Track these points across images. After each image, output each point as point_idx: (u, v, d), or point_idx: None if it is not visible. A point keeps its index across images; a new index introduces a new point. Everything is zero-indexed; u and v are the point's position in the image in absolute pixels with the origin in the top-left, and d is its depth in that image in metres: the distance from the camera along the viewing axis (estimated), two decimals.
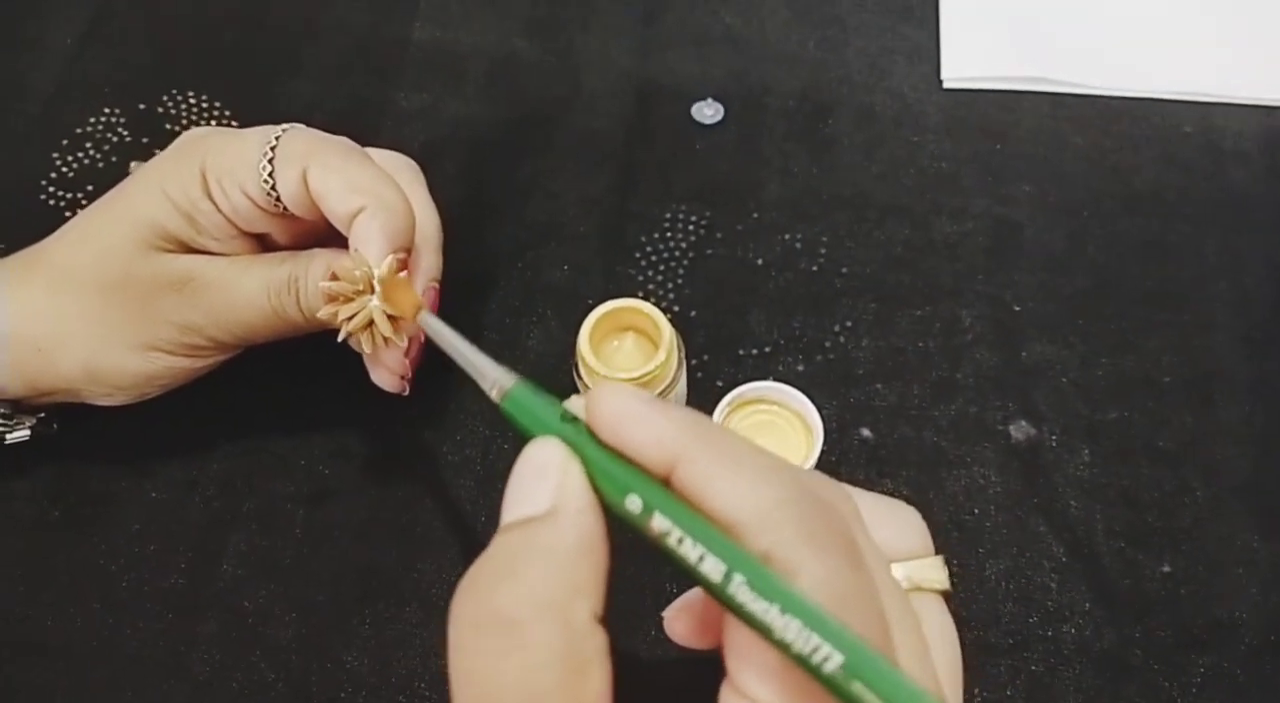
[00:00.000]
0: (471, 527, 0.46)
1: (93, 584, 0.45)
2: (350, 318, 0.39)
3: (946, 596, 0.28)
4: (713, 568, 0.23)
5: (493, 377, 0.30)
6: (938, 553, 0.28)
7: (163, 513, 0.47)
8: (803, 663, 0.22)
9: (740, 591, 0.23)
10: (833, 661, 0.22)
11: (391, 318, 0.39)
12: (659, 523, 0.24)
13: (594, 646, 0.23)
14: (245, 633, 0.44)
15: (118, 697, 0.43)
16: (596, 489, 0.25)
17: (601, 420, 0.25)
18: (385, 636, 0.44)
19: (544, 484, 0.25)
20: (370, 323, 0.39)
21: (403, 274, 0.40)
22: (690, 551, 0.23)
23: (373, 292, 0.39)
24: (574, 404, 0.27)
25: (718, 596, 0.23)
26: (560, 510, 0.24)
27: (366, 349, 0.40)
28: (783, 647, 0.22)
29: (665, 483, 0.25)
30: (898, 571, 0.27)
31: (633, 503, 0.24)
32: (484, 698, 0.23)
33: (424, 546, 0.46)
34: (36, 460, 0.48)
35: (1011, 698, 0.42)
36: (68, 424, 0.47)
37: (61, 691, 0.43)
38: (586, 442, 0.26)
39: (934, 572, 0.28)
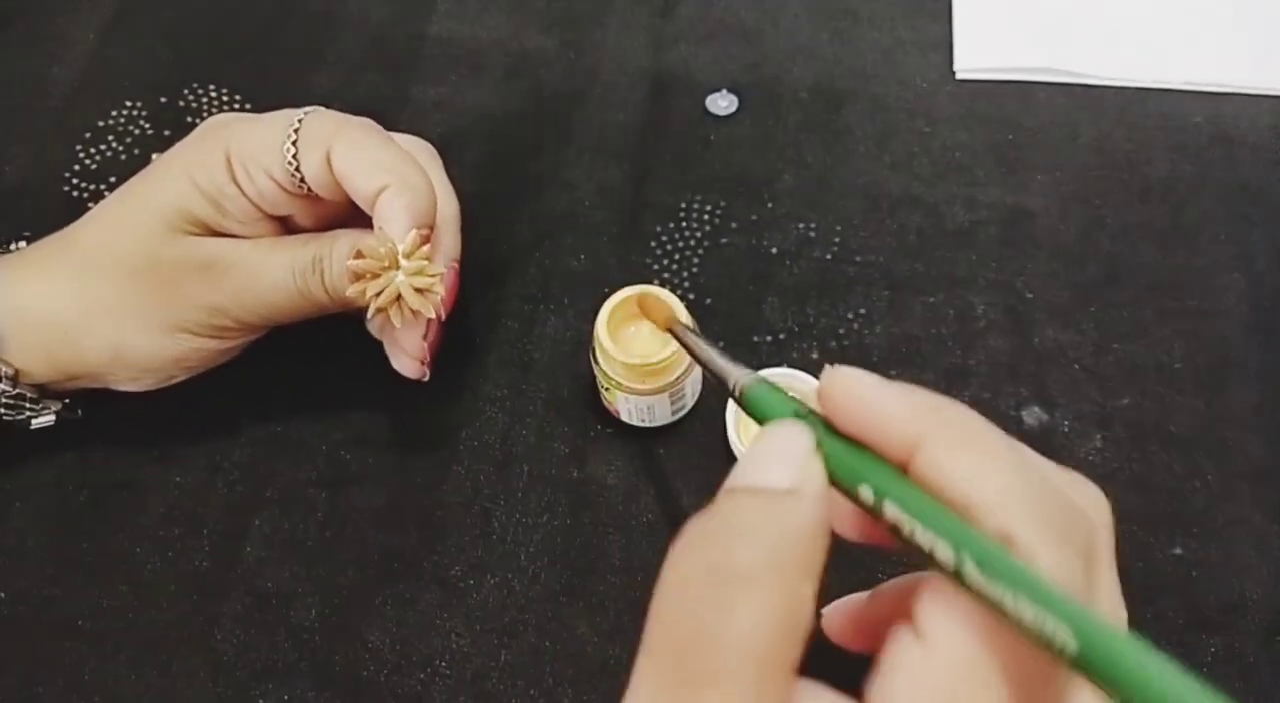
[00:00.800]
0: (490, 511, 0.47)
1: (118, 567, 0.46)
2: (378, 294, 0.40)
3: None
4: (944, 556, 0.23)
5: (734, 374, 0.32)
6: None
7: (187, 497, 0.48)
8: (1042, 643, 0.22)
9: (973, 575, 0.23)
10: (1069, 646, 0.21)
11: (418, 291, 0.40)
12: (890, 511, 0.25)
13: (806, 622, 0.24)
14: (268, 614, 0.45)
15: (143, 676, 0.44)
16: (831, 477, 0.26)
17: (837, 403, 0.26)
18: (406, 616, 0.45)
19: (787, 463, 0.25)
20: (398, 298, 0.40)
21: (425, 249, 0.41)
22: (922, 538, 0.24)
23: (398, 267, 0.40)
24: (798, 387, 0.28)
25: (947, 575, 0.23)
26: (802, 492, 0.25)
27: (396, 324, 0.41)
28: (1019, 626, 0.22)
29: (905, 467, 0.25)
30: None
31: (865, 493, 0.25)
32: (701, 645, 0.23)
33: (443, 529, 0.47)
34: (62, 445, 0.48)
35: None
36: (92, 410, 0.48)
37: (89, 671, 0.44)
38: (821, 429, 0.26)
39: None
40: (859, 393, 0.25)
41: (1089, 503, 0.26)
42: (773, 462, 0.25)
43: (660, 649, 0.24)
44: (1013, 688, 0.23)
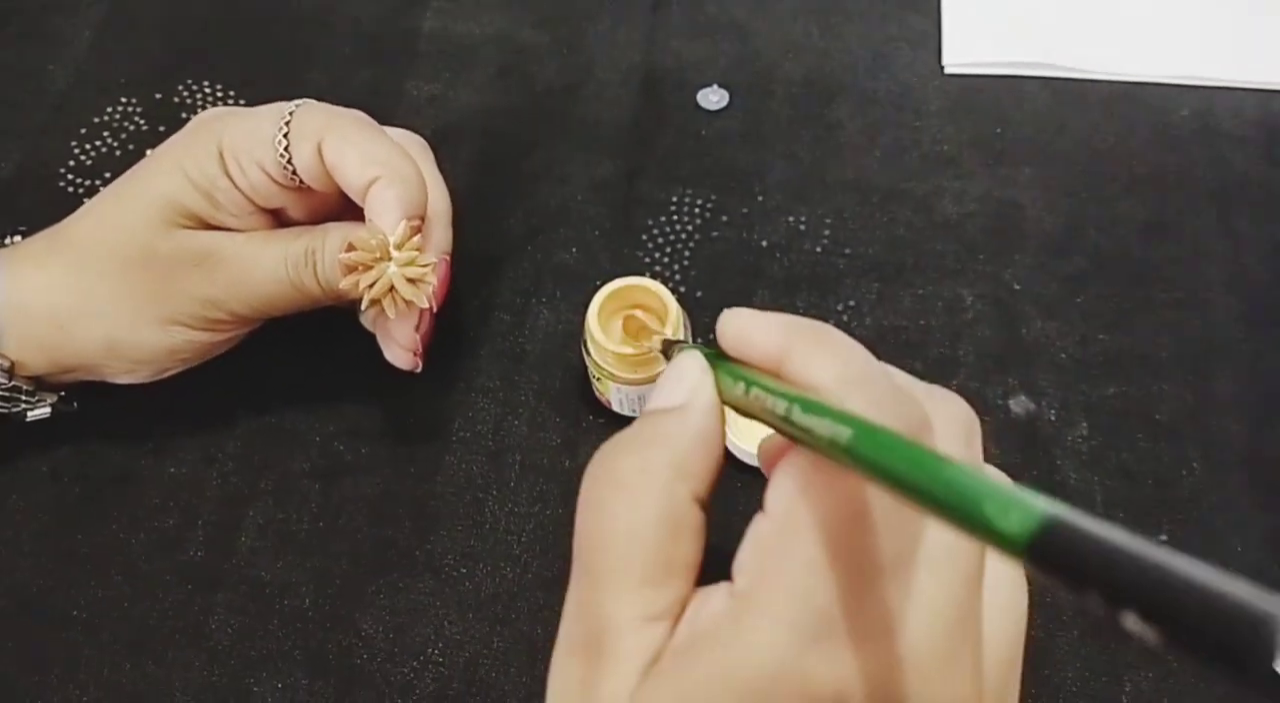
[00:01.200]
0: (482, 501, 0.47)
1: (113, 558, 0.47)
2: (371, 286, 0.40)
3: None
4: (777, 408, 0.26)
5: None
6: None
7: (181, 489, 0.48)
8: (828, 449, 0.24)
9: (795, 413, 0.25)
10: (841, 435, 0.23)
11: (411, 281, 0.41)
12: (754, 395, 0.28)
13: (690, 520, 0.27)
14: (262, 604, 0.45)
15: (139, 666, 0.44)
16: (722, 396, 0.29)
17: (725, 335, 0.29)
18: (399, 605, 0.45)
19: (681, 385, 0.29)
20: (391, 288, 0.41)
21: (416, 240, 0.41)
22: (766, 402, 0.27)
23: (389, 258, 0.40)
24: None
25: (786, 431, 0.26)
26: (689, 406, 0.28)
27: (390, 314, 0.41)
28: (811, 439, 0.25)
29: (777, 376, 0.28)
30: None
31: (738, 389, 0.28)
32: (591, 546, 0.27)
33: (436, 519, 0.47)
34: (58, 438, 0.49)
35: None
36: (88, 402, 0.48)
37: (84, 660, 0.44)
38: (717, 360, 0.30)
39: None
40: (739, 322, 0.29)
41: (946, 411, 0.28)
42: (668, 387, 0.29)
43: (575, 554, 0.27)
44: (835, 537, 0.25)
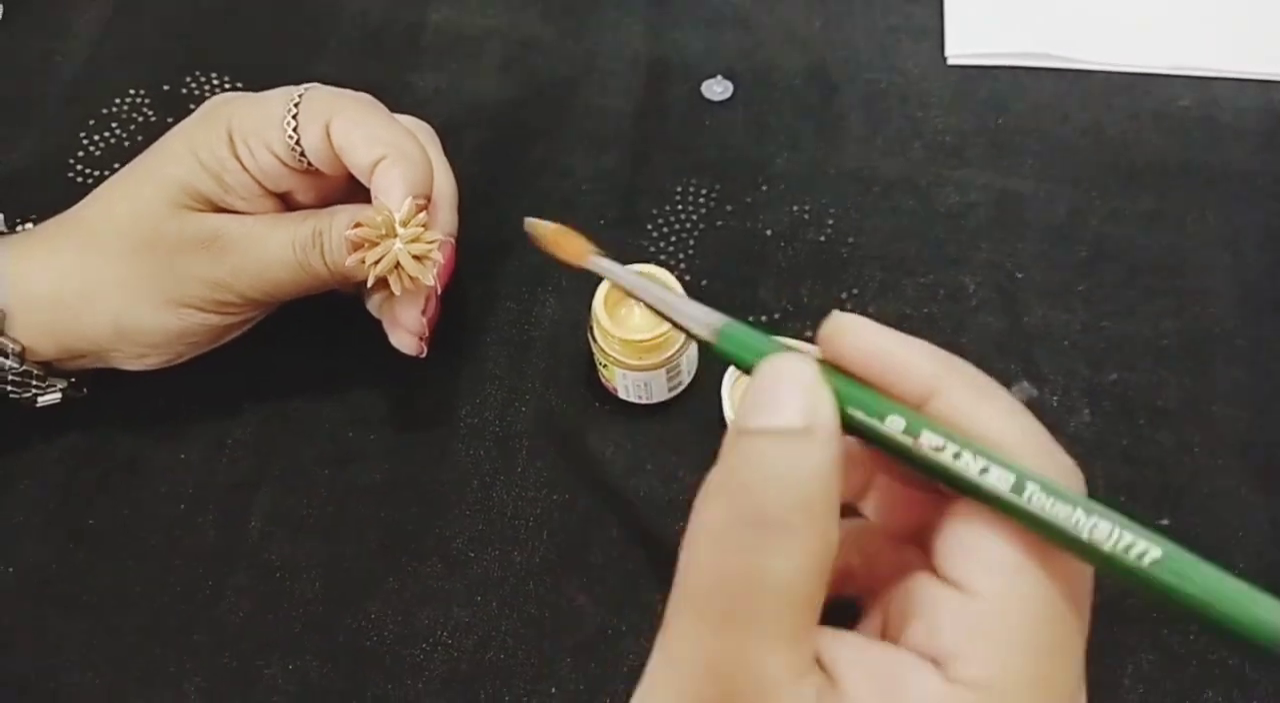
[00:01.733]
0: (489, 486, 0.48)
1: (124, 542, 0.47)
2: (377, 263, 0.41)
3: None
4: (999, 478, 0.24)
5: (702, 319, 0.29)
6: None
7: (192, 474, 0.49)
8: (1113, 563, 0.23)
9: (1036, 497, 0.24)
10: (1151, 554, 0.23)
11: (416, 258, 0.41)
12: (929, 440, 0.25)
13: (833, 563, 0.24)
14: (273, 587, 0.46)
15: (149, 649, 0.45)
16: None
17: (850, 349, 0.26)
18: (408, 588, 0.45)
19: (794, 400, 0.25)
20: (396, 265, 0.41)
21: (421, 216, 0.42)
22: (970, 463, 0.24)
23: (395, 235, 0.41)
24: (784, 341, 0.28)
25: (1005, 506, 0.24)
26: (817, 429, 0.24)
27: (395, 291, 0.42)
28: (1091, 551, 0.24)
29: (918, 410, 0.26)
30: None
31: (893, 424, 0.25)
32: (738, 590, 0.23)
33: (444, 504, 0.47)
34: (68, 424, 0.49)
35: None
36: (98, 388, 0.49)
37: (95, 643, 0.45)
38: (836, 377, 0.26)
39: None
40: (872, 339, 0.26)
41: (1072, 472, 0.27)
42: (781, 399, 0.25)
43: (699, 594, 0.24)
44: (1056, 618, 0.24)
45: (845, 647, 0.25)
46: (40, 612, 0.46)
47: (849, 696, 0.24)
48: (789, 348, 0.27)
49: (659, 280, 0.45)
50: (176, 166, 0.43)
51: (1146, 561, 0.23)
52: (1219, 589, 0.23)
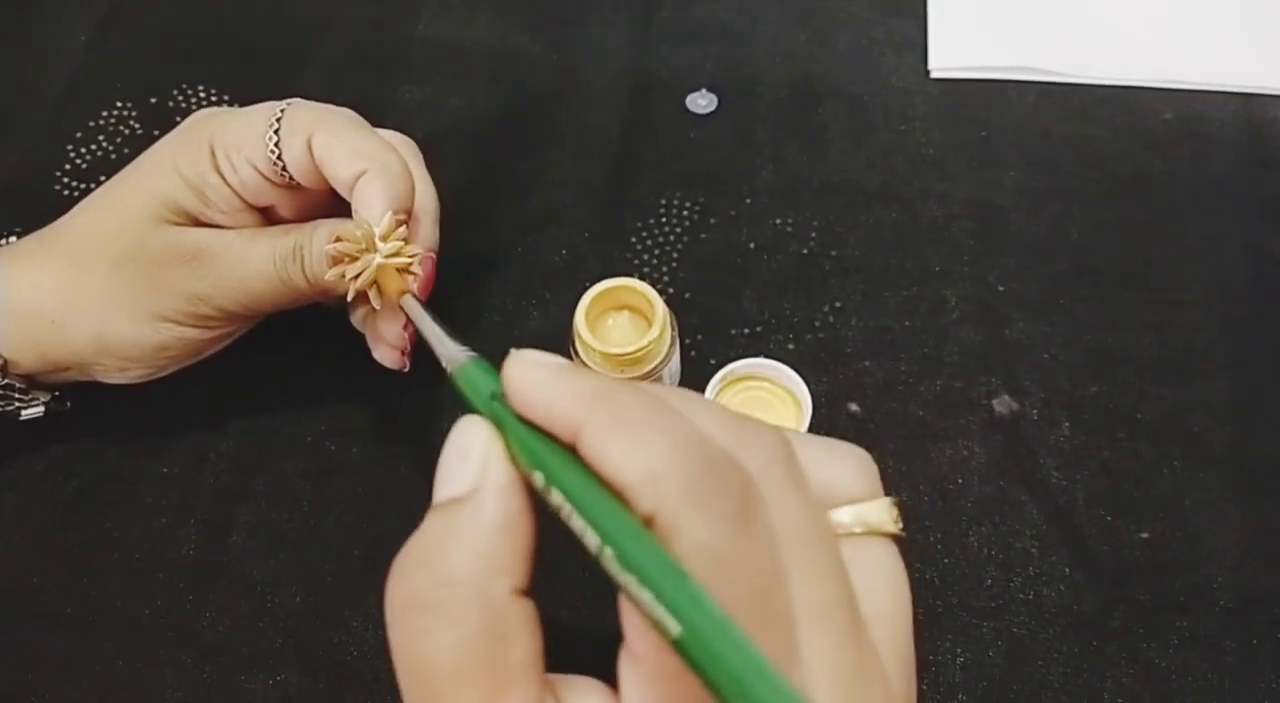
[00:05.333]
0: None
1: (106, 556, 0.47)
2: (357, 277, 0.41)
3: (899, 540, 0.28)
4: (591, 542, 0.23)
5: (448, 354, 0.31)
6: (923, 520, 0.28)
7: (174, 488, 0.49)
8: (661, 631, 0.22)
9: (610, 564, 0.23)
10: (672, 630, 0.22)
11: (397, 271, 0.41)
12: (555, 498, 0.24)
13: (516, 618, 0.24)
14: (254, 601, 0.46)
15: (130, 663, 0.45)
16: (518, 467, 0.25)
17: (512, 392, 0.25)
18: None
19: (467, 464, 0.25)
20: (376, 279, 0.41)
21: (401, 230, 0.42)
22: (576, 525, 0.24)
23: (375, 250, 0.41)
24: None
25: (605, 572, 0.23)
26: (481, 491, 0.25)
27: (376, 305, 0.42)
28: (648, 617, 0.23)
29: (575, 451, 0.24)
30: (844, 514, 0.27)
31: (538, 479, 0.25)
32: (417, 674, 0.24)
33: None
34: (51, 437, 0.49)
35: (994, 659, 0.44)
36: (81, 402, 0.49)
37: (77, 658, 0.45)
38: (510, 418, 0.25)
39: (881, 514, 0.27)
40: (530, 378, 0.25)
41: (757, 446, 0.26)
42: (453, 469, 0.25)
43: (401, 682, 0.24)
44: None
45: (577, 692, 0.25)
46: (21, 625, 0.46)
47: None
48: (495, 405, 0.26)
49: (640, 293, 0.45)
50: (159, 181, 0.43)
51: (672, 634, 0.22)
52: (734, 672, 0.21)
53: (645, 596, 0.22)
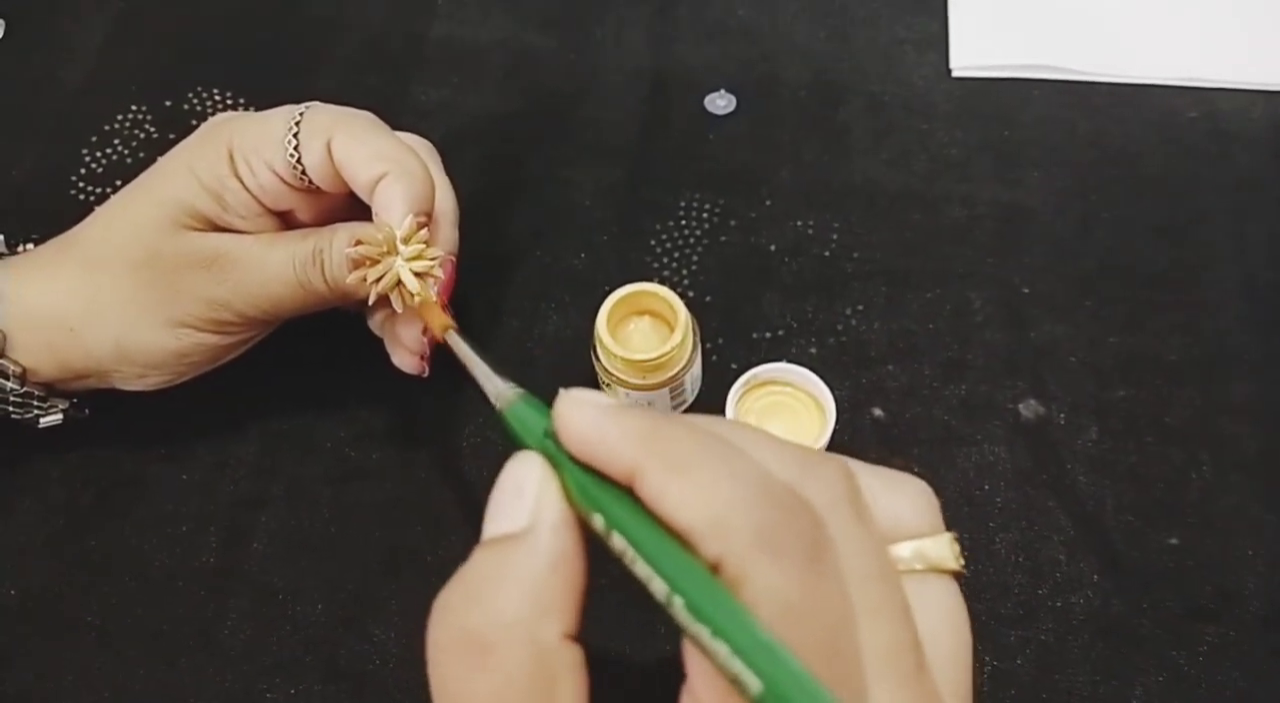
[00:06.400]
0: None
1: (126, 563, 0.47)
2: (378, 280, 0.41)
3: (959, 576, 0.27)
4: (658, 590, 0.22)
5: (496, 390, 0.31)
6: (949, 528, 0.27)
7: (193, 494, 0.48)
8: (737, 686, 0.22)
9: (680, 614, 0.22)
10: (752, 687, 0.21)
11: (418, 275, 0.41)
12: (616, 542, 0.23)
13: (564, 662, 0.23)
14: (275, 609, 0.46)
15: (151, 672, 0.45)
16: (573, 505, 0.25)
17: (564, 432, 0.25)
18: (411, 610, 0.45)
19: (521, 501, 0.24)
20: (398, 282, 0.41)
21: (423, 233, 0.42)
22: (641, 571, 0.23)
23: (396, 253, 0.41)
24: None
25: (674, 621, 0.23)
26: (535, 529, 0.24)
27: (397, 308, 0.42)
28: (722, 669, 0.22)
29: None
30: (904, 549, 0.26)
31: (597, 522, 0.24)
32: None
33: (447, 525, 0.47)
34: (69, 445, 0.49)
35: (1022, 667, 0.43)
36: (100, 409, 0.49)
37: (97, 666, 0.45)
38: (564, 458, 0.25)
39: (943, 550, 0.26)
40: (583, 419, 0.24)
41: (822, 481, 0.25)
42: (506, 505, 0.25)
43: None
44: None
45: None
46: (42, 633, 0.46)
47: None
48: (548, 443, 0.26)
49: (662, 298, 0.45)
50: (176, 186, 0.43)
51: (752, 692, 0.21)
52: None
53: (721, 649, 0.21)
